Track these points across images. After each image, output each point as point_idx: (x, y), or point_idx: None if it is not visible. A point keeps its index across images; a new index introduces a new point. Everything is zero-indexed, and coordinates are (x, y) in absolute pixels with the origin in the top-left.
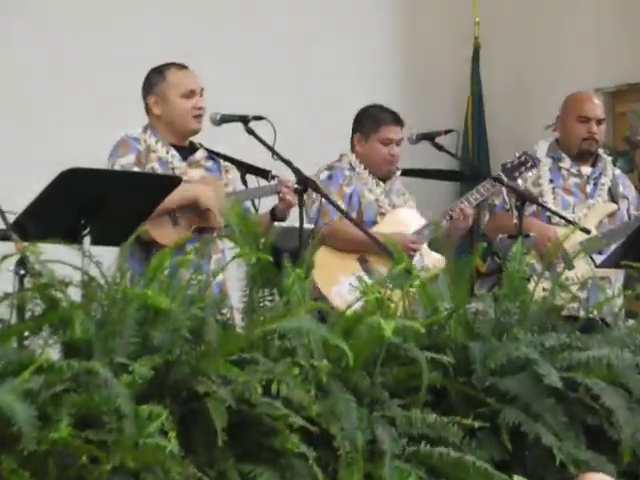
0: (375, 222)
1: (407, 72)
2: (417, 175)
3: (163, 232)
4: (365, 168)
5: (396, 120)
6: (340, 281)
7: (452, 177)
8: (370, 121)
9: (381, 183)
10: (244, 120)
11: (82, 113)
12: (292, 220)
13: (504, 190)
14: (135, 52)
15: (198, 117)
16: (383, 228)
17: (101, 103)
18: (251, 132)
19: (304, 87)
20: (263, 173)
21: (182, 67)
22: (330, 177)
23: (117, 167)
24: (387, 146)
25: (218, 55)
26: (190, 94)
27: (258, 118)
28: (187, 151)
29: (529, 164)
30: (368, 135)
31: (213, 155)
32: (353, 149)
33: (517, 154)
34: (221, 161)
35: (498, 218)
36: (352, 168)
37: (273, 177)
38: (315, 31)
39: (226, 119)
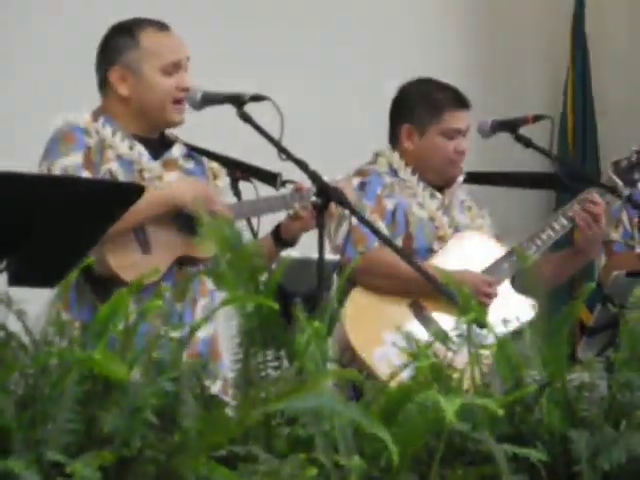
0: (431, 250)
1: (480, 33)
2: (490, 182)
3: (128, 265)
4: (414, 173)
5: (462, 101)
6: (384, 339)
7: (544, 184)
8: (425, 105)
9: (437, 194)
10: (237, 101)
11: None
12: (306, 248)
13: (624, 218)
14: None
15: (181, 103)
16: (444, 260)
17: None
18: (247, 119)
19: (324, 59)
20: (269, 177)
21: (162, 27)
22: (362, 186)
23: (56, 172)
24: (453, 140)
25: (202, 16)
26: (173, 68)
27: (258, 98)
28: (158, 145)
29: None
30: (424, 126)
31: (195, 152)
32: (396, 146)
33: (636, 148)
34: (206, 162)
35: (619, 259)
36: (394, 173)
37: (284, 183)
38: None
39: (211, 99)
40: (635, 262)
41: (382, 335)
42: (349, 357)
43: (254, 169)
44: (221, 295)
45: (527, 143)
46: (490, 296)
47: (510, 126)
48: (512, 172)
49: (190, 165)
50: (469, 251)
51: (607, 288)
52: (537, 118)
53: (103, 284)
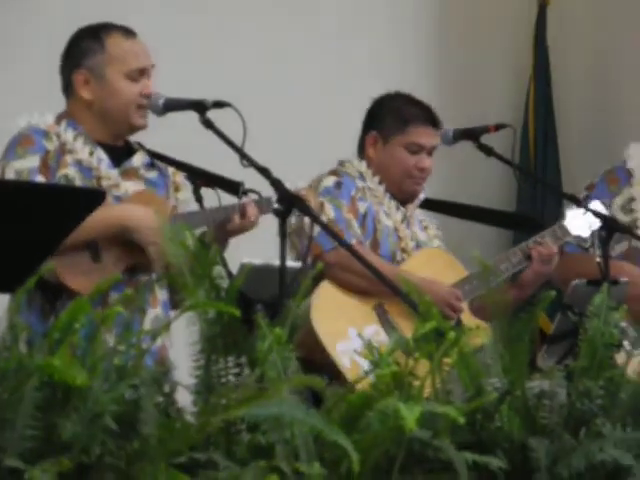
0: (394, 259)
1: (444, 45)
2: (446, 212)
3: (77, 272)
4: (381, 182)
5: (432, 119)
6: (348, 335)
7: (503, 222)
8: (394, 117)
9: (400, 206)
10: (200, 107)
11: None
12: (268, 255)
13: None
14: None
15: (144, 108)
16: (413, 269)
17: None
18: (210, 125)
19: (289, 64)
20: (231, 186)
21: (128, 33)
22: (338, 185)
23: (10, 174)
24: (415, 155)
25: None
26: (138, 74)
27: (221, 104)
28: (121, 153)
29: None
30: (389, 136)
31: (158, 161)
32: (362, 153)
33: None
34: (170, 172)
35: (572, 260)
36: (363, 178)
37: (245, 192)
38: None
39: (173, 105)
40: (586, 264)
41: (347, 330)
42: (312, 345)
43: (216, 178)
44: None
45: (489, 152)
46: (456, 310)
47: (472, 134)
48: (471, 205)
49: (152, 175)
50: (434, 266)
51: (567, 297)
52: (499, 127)
53: (52, 290)
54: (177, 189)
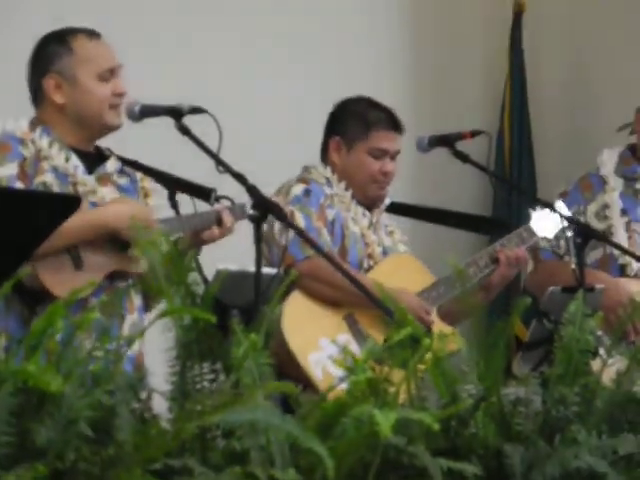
0: (361, 266)
1: (418, 50)
2: (415, 215)
3: (60, 278)
4: (347, 188)
5: (394, 123)
6: (320, 346)
7: (473, 226)
8: (356, 121)
9: (367, 212)
10: (176, 113)
11: None
12: (243, 261)
13: None
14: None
15: (117, 107)
16: (379, 277)
17: None
18: (186, 131)
19: (263, 71)
20: (202, 192)
21: (93, 35)
22: (307, 192)
23: None
24: (378, 160)
25: (140, 21)
26: (109, 75)
27: (197, 111)
28: (93, 159)
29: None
30: (352, 141)
31: (129, 168)
32: (325, 159)
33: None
34: (138, 178)
35: (547, 267)
36: (330, 185)
37: (218, 199)
38: None
39: (149, 111)
40: (561, 270)
41: (318, 341)
42: (283, 356)
43: (188, 184)
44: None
45: (464, 159)
46: (426, 323)
47: (448, 141)
48: (440, 209)
49: (123, 181)
50: (402, 273)
51: (542, 304)
52: (475, 134)
53: (31, 295)
54: (146, 195)
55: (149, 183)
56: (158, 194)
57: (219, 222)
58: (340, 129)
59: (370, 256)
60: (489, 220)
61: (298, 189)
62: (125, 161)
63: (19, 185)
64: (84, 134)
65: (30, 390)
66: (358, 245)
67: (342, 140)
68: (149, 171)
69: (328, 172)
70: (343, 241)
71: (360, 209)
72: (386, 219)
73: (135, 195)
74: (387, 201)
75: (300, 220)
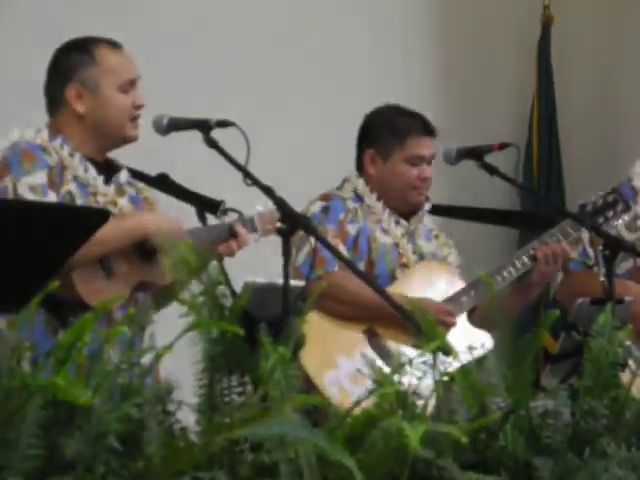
0: (393, 277)
1: (447, 63)
2: (455, 215)
3: (93, 287)
4: (379, 199)
5: (426, 128)
6: (337, 364)
7: (507, 221)
8: (389, 131)
9: (402, 220)
10: (204, 126)
11: None
12: (271, 274)
13: (585, 237)
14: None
15: (136, 119)
16: (404, 288)
17: None
18: (213, 144)
19: (291, 82)
20: (210, 205)
21: (114, 46)
22: (325, 210)
23: (23, 191)
24: (416, 166)
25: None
26: (130, 86)
27: (225, 124)
28: (105, 169)
29: (620, 207)
30: (388, 152)
31: (137, 178)
32: (361, 171)
33: (602, 193)
34: (139, 188)
35: (576, 278)
36: (358, 198)
37: (225, 212)
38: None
39: (177, 125)
40: (590, 281)
41: (336, 359)
42: (304, 382)
43: (195, 195)
44: (173, 322)
45: (493, 171)
46: (449, 326)
47: (476, 154)
48: (476, 207)
49: (132, 192)
50: (431, 281)
51: (571, 316)
52: (503, 146)
53: (64, 307)
54: (149, 206)
55: (150, 193)
56: (158, 204)
57: (233, 235)
58: (373, 141)
59: (404, 265)
60: (518, 214)
61: (316, 207)
62: (132, 171)
63: (52, 194)
64: (100, 144)
65: (59, 403)
66: (388, 256)
67: (376, 152)
68: (152, 181)
69: (361, 184)
70: (370, 254)
71: (393, 219)
72: (430, 223)
73: (141, 206)
74: (427, 206)
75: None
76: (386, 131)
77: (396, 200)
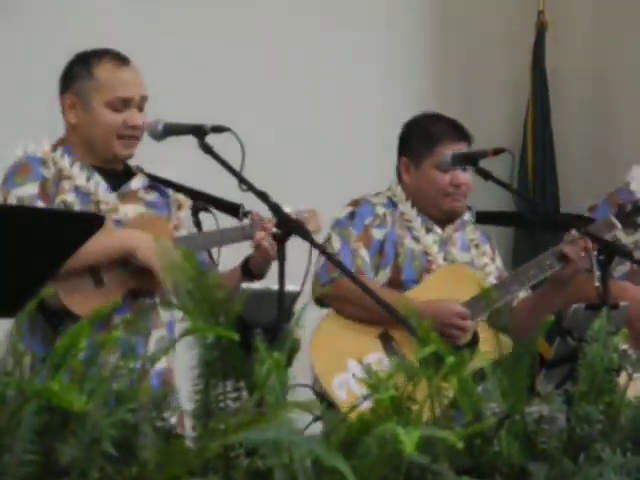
0: (419, 283)
1: (441, 69)
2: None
3: (79, 296)
4: (413, 206)
5: (458, 133)
6: (349, 367)
7: (505, 221)
8: (420, 139)
9: (436, 228)
10: (199, 132)
11: None
12: (266, 279)
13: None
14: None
15: (128, 139)
16: (423, 291)
17: None
18: (208, 150)
19: (292, 87)
20: (230, 208)
21: (121, 60)
22: (352, 215)
23: (12, 202)
24: (448, 173)
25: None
26: (122, 105)
27: (220, 129)
28: (119, 177)
29: None
30: (418, 159)
31: (159, 183)
32: (400, 180)
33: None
34: (171, 193)
35: (576, 284)
36: (392, 204)
37: (246, 214)
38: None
39: (173, 130)
40: (587, 287)
41: (347, 362)
42: (317, 386)
43: (216, 200)
44: (180, 326)
45: (487, 176)
46: (459, 327)
47: (471, 159)
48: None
49: (152, 197)
50: (452, 284)
51: (566, 321)
52: (498, 151)
53: (56, 315)
54: (179, 207)
55: (182, 195)
56: (188, 206)
57: (248, 238)
58: (407, 149)
59: (430, 271)
60: (514, 214)
61: (343, 213)
62: (154, 178)
63: (40, 204)
64: (96, 155)
65: (54, 409)
66: (416, 262)
67: (409, 160)
68: (177, 187)
69: (398, 191)
70: (396, 259)
71: (426, 225)
72: (471, 233)
73: (164, 209)
74: (467, 215)
75: (336, 242)
76: (417, 139)
77: (430, 207)
